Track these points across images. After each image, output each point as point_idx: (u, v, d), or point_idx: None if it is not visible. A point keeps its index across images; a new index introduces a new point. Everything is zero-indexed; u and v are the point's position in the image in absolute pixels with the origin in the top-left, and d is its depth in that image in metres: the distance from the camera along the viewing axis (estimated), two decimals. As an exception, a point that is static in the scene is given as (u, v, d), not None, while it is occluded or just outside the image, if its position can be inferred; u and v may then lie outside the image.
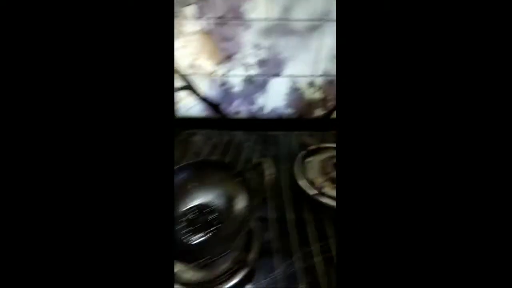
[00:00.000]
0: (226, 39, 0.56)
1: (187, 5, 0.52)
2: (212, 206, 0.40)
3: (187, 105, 0.66)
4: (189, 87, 0.63)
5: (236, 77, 0.61)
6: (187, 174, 0.42)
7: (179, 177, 0.41)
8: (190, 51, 0.57)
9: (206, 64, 0.59)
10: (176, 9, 0.52)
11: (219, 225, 0.38)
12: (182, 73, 0.61)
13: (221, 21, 0.53)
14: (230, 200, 0.40)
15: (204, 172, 0.42)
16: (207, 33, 0.55)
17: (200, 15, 0.53)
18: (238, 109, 0.66)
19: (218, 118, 0.68)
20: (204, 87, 0.63)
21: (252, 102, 0.65)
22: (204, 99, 0.65)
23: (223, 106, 0.66)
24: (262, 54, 0.57)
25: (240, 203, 0.39)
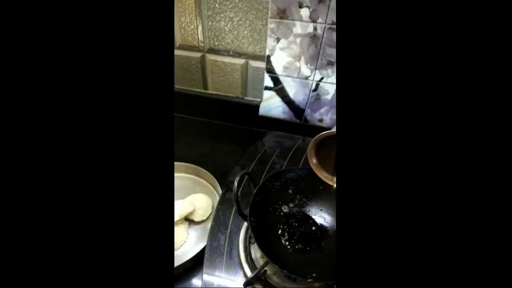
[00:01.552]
0: (334, 45, 0.54)
1: (303, 6, 0.51)
2: (312, 220, 0.38)
3: (270, 105, 0.66)
4: (278, 88, 0.62)
5: (332, 85, 0.59)
6: (288, 178, 0.41)
7: (280, 180, 0.40)
8: (291, 52, 0.56)
9: (304, 67, 0.58)
10: (291, 9, 0.51)
11: (320, 240, 0.36)
12: (276, 73, 0.60)
13: (333, 26, 0.51)
14: (335, 217, 0.38)
15: (306, 181, 0.41)
16: (315, 37, 0.53)
17: (313, 19, 0.51)
18: (322, 117, 0.64)
19: (297, 123, 0.66)
20: (294, 90, 0.62)
21: (338, 112, 0.62)
22: (290, 102, 0.64)
23: (307, 112, 0.64)
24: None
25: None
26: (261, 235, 0.33)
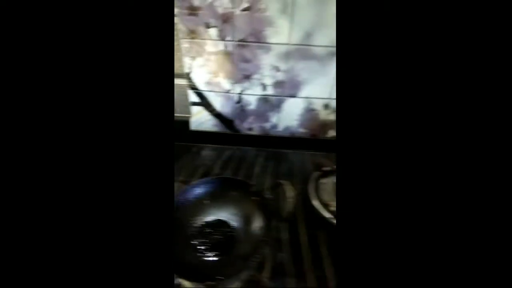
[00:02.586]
0: (246, 60, 0.58)
1: (210, 27, 0.54)
2: (227, 224, 0.40)
3: (200, 119, 0.67)
4: (204, 103, 0.65)
5: (252, 96, 0.63)
6: (203, 189, 0.42)
7: (195, 192, 0.42)
8: (209, 69, 0.59)
9: (224, 82, 0.61)
10: (199, 29, 0.54)
11: (234, 244, 0.38)
12: (199, 89, 0.63)
13: (242, 43, 0.56)
14: (246, 220, 0.40)
15: (220, 189, 0.42)
16: (227, 53, 0.57)
17: (222, 37, 0.55)
18: (251, 126, 0.68)
19: (230, 134, 0.69)
20: (219, 103, 0.64)
21: (265, 120, 0.66)
22: (218, 115, 0.66)
23: (236, 123, 0.67)
24: (280, 76, 0.59)
25: (256, 223, 0.39)
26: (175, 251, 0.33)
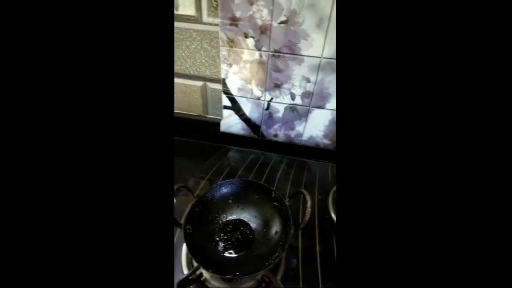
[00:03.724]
0: (278, 70, 0.60)
1: (248, 37, 0.57)
2: (247, 225, 0.43)
3: (230, 122, 0.71)
4: (235, 107, 0.68)
5: (281, 104, 0.65)
6: (229, 189, 0.45)
7: (222, 191, 0.45)
8: (243, 76, 0.63)
9: (255, 89, 0.64)
10: (238, 38, 0.58)
11: (252, 244, 0.41)
12: (232, 94, 0.66)
13: (277, 54, 0.58)
14: (265, 223, 0.42)
15: (244, 191, 0.45)
16: (261, 62, 0.60)
17: (258, 47, 0.58)
18: (277, 132, 0.70)
19: (256, 139, 0.72)
20: (249, 109, 0.68)
21: (291, 128, 0.68)
22: (247, 120, 0.70)
23: (262, 128, 0.70)
24: (309, 87, 0.61)
25: (274, 228, 0.41)
26: (194, 241, 0.37)
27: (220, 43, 0.59)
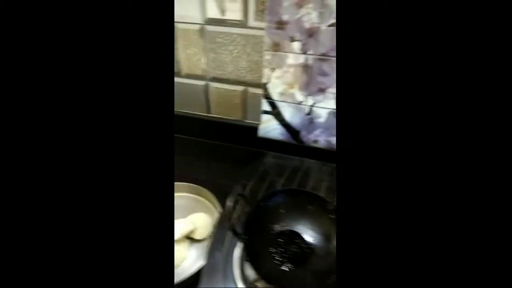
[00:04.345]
0: (324, 74, 0.58)
1: (294, 40, 0.56)
2: (300, 237, 0.41)
3: (268, 127, 0.70)
4: (275, 112, 0.67)
5: (324, 109, 0.63)
6: (280, 199, 0.44)
7: (273, 201, 0.43)
8: (285, 80, 0.61)
9: (297, 93, 0.62)
10: (284, 42, 0.57)
11: (308, 258, 0.38)
12: (272, 99, 0.65)
13: (323, 57, 0.56)
14: (322, 236, 0.40)
15: (296, 201, 0.43)
16: (306, 66, 0.58)
17: (304, 50, 0.57)
18: (317, 138, 0.67)
19: (294, 144, 0.70)
20: (289, 113, 0.66)
21: (332, 134, 0.66)
22: (286, 125, 0.68)
23: (302, 134, 0.68)
24: (356, 91, 0.58)
25: (333, 242, 0.39)
26: (253, 253, 0.35)
27: (265, 47, 0.58)
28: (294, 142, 0.70)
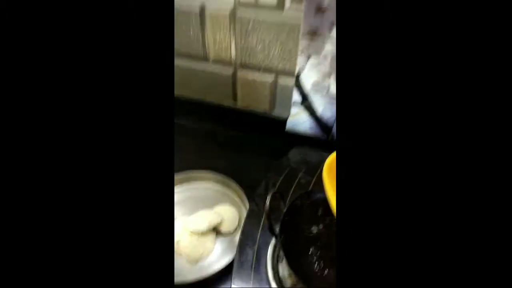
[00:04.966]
0: (364, 64, 0.54)
1: (335, 25, 0.52)
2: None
3: (298, 120, 0.66)
4: (306, 104, 0.63)
5: (361, 103, 0.58)
6: (316, 199, 0.41)
7: (310, 201, 0.41)
8: (321, 70, 0.57)
9: (333, 86, 0.58)
10: (322, 28, 0.53)
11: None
12: (305, 91, 0.61)
13: (366, 46, 0.52)
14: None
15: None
16: (345, 55, 0.54)
17: (345, 38, 0.52)
18: (350, 134, 0.64)
19: (324, 140, 0.66)
20: (322, 107, 0.62)
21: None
22: (317, 119, 0.64)
23: (335, 129, 0.64)
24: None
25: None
26: (290, 254, 0.33)
27: (301, 34, 0.54)
28: (324, 137, 0.66)
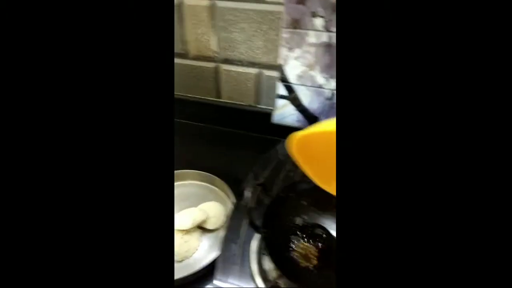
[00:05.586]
0: (347, 53, 0.53)
1: (316, 16, 0.51)
2: (326, 231, 0.38)
3: (284, 113, 0.66)
4: (292, 97, 0.62)
5: (346, 93, 0.58)
6: (302, 190, 0.40)
7: (295, 192, 0.40)
8: (305, 61, 0.56)
9: (318, 76, 0.57)
10: (304, 19, 0.52)
11: (331, 254, 0.36)
12: (289, 82, 0.60)
13: (348, 35, 0.51)
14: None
15: (321, 193, 0.40)
16: (329, 45, 0.53)
17: (327, 28, 0.51)
18: (336, 125, 0.63)
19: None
20: (308, 98, 0.61)
21: (353, 121, 0.61)
22: (304, 110, 0.64)
23: (321, 120, 0.64)
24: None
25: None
26: (274, 248, 0.33)
27: (283, 24, 0.53)
28: (310, 129, 0.66)
